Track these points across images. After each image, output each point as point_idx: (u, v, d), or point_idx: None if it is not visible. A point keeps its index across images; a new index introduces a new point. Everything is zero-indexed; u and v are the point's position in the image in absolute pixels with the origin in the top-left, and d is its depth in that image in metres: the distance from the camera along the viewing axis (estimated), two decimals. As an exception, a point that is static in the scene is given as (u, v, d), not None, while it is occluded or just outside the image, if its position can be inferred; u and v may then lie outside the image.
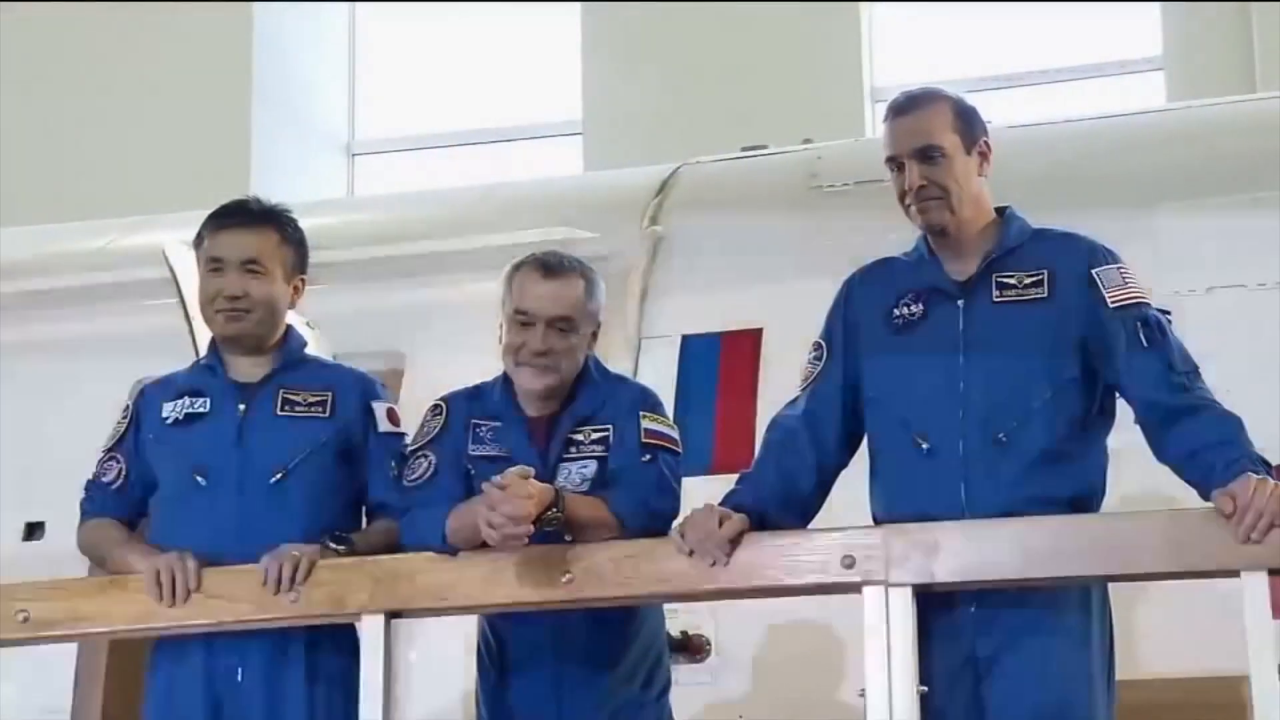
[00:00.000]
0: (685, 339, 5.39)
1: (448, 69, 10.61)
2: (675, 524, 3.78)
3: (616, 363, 4.72)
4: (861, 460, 3.89)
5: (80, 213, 7.62)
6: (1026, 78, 9.57)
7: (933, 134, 3.77)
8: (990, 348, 3.72)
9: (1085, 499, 3.71)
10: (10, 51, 10.17)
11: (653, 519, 3.83)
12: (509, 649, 4.00)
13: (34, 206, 8.93)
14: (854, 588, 3.58)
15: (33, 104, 10.12)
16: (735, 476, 3.89)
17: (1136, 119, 6.14)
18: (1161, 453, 3.67)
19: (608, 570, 3.72)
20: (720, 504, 3.72)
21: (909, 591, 3.53)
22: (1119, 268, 3.78)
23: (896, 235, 3.94)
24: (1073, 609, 3.66)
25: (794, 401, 3.93)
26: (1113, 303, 3.72)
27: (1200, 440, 3.58)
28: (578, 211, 5.82)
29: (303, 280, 4.16)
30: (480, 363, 4.08)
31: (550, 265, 3.97)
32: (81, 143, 9.97)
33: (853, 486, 3.89)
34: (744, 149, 6.20)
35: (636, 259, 5.51)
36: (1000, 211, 3.87)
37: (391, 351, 5.59)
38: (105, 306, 6.08)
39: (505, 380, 4.02)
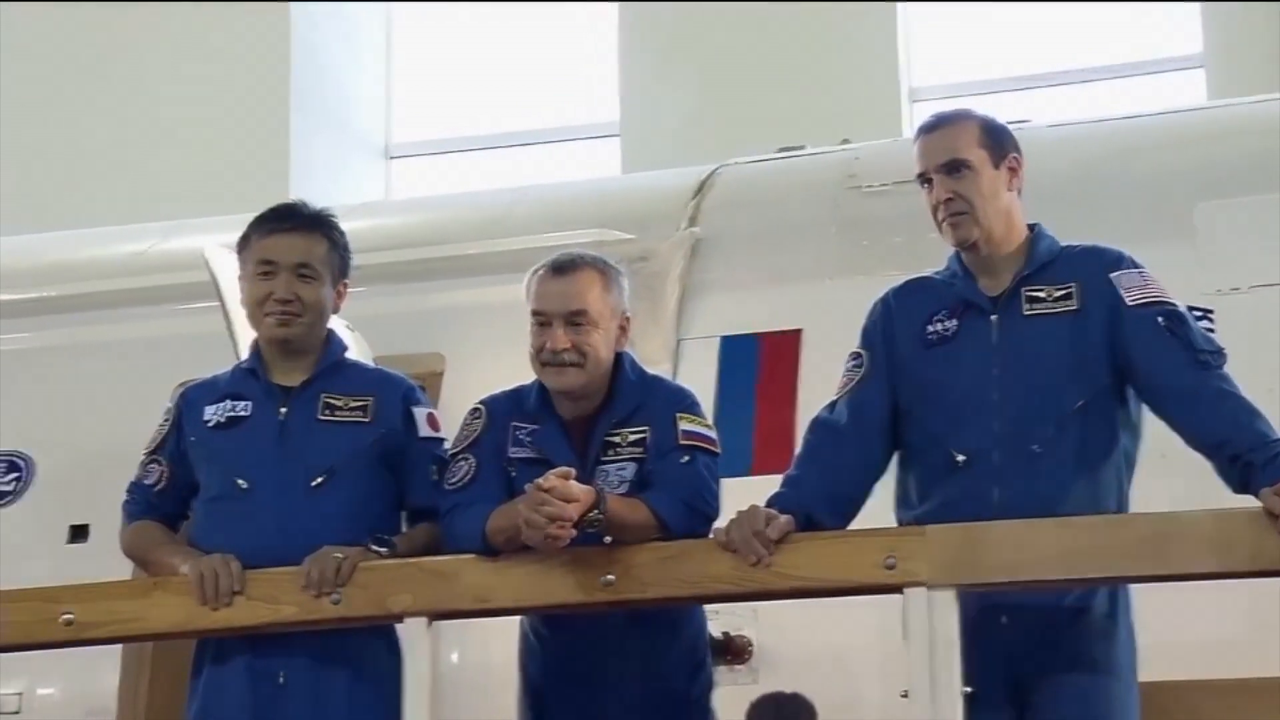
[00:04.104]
0: (724, 340, 5.38)
1: (484, 71, 10.61)
2: (717, 525, 3.80)
3: (655, 364, 4.75)
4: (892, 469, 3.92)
5: (120, 217, 7.66)
6: (1065, 76, 9.53)
7: (959, 149, 3.85)
8: (1022, 360, 3.78)
9: (1116, 510, 3.74)
10: (48, 57, 10.21)
11: (693, 520, 3.84)
12: (551, 651, 4.01)
13: (74, 211, 8.98)
14: (896, 588, 3.58)
15: (71, 109, 10.15)
16: (774, 478, 3.92)
17: (1176, 117, 6.11)
18: (1188, 434, 3.70)
19: (649, 571, 3.73)
20: (765, 505, 3.74)
21: (952, 593, 3.54)
22: (1139, 272, 3.84)
23: (935, 235, 3.96)
24: (1102, 615, 3.71)
25: (833, 405, 3.96)
26: (1131, 301, 3.78)
27: (1230, 430, 3.62)
28: (615, 213, 5.82)
29: (345, 284, 4.19)
30: (519, 365, 4.08)
31: (561, 264, 3.99)
32: (120, 147, 9.99)
33: (889, 490, 3.91)
34: (781, 149, 6.19)
35: (674, 260, 5.51)
36: (1030, 228, 3.93)
37: (430, 354, 5.59)
38: (147, 310, 6.11)
39: (540, 384, 4.03)
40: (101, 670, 5.30)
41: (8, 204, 9.55)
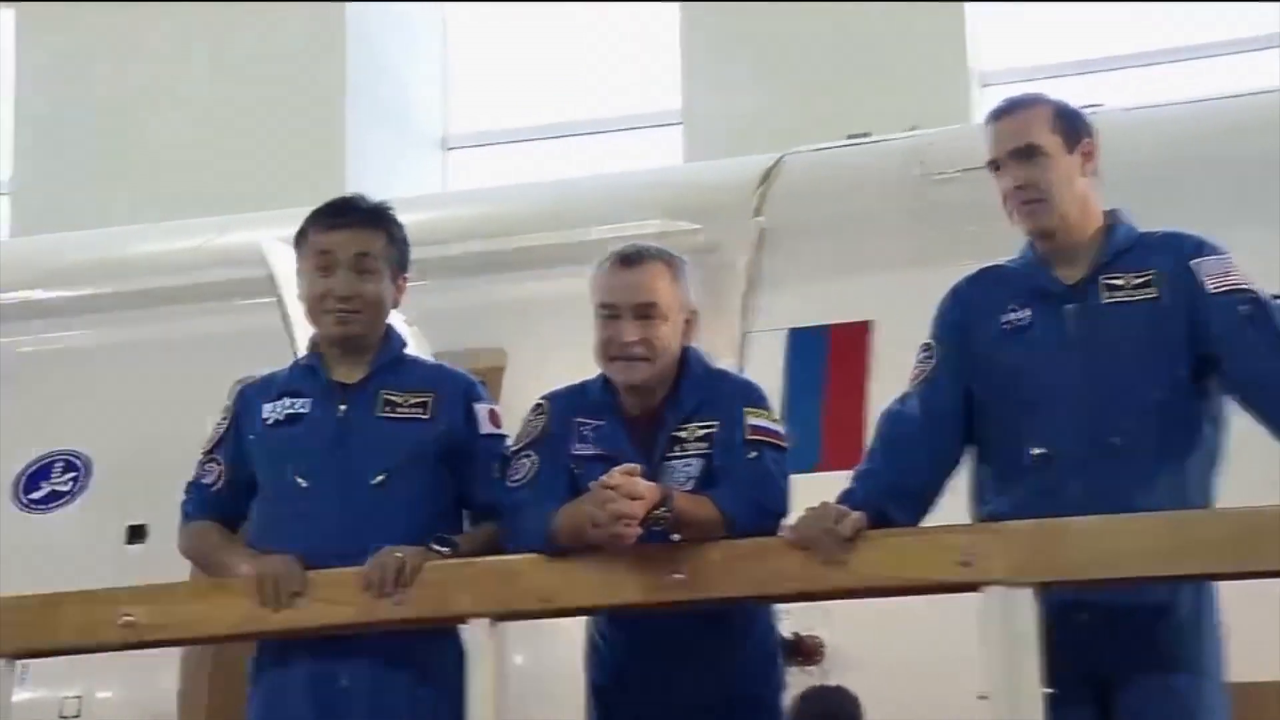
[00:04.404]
0: (792, 332, 5.40)
1: (542, 60, 10.59)
2: (786, 522, 3.78)
3: (721, 358, 4.62)
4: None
5: (176, 212, 7.70)
6: (1140, 58, 9.44)
7: (1031, 134, 3.82)
8: (1100, 350, 3.74)
9: (1200, 504, 3.70)
10: (105, 53, 10.27)
11: (762, 517, 3.82)
12: (618, 652, 3.99)
13: (130, 207, 9.03)
14: (972, 587, 3.55)
15: (126, 105, 10.22)
16: (844, 474, 3.90)
17: (1258, 98, 6.03)
18: (1276, 427, 3.64)
19: (718, 569, 3.71)
20: (836, 502, 3.73)
21: (1030, 591, 3.50)
22: (1220, 258, 3.79)
23: (1008, 223, 3.93)
24: (1188, 613, 3.66)
25: (905, 397, 3.94)
26: (1213, 289, 3.73)
27: None
28: (679, 203, 5.84)
29: (405, 279, 4.18)
30: (582, 359, 4.09)
31: (629, 255, 3.99)
32: (175, 143, 10.04)
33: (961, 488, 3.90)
34: (849, 137, 6.18)
35: (741, 251, 5.56)
36: (1107, 214, 3.89)
37: (491, 349, 5.64)
38: (203, 306, 6.17)
39: (606, 378, 4.02)
40: (161, 673, 5.33)
41: (64, 200, 9.63)
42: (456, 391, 4.13)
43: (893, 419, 3.92)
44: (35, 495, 5.97)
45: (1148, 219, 3.93)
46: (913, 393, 3.90)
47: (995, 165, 3.87)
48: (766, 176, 5.84)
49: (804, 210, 5.70)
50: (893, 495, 3.76)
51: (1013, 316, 3.84)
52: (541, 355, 5.41)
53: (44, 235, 8.14)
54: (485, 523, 4.05)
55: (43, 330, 6.48)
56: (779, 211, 5.69)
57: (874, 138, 6.13)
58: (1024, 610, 3.48)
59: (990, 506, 3.80)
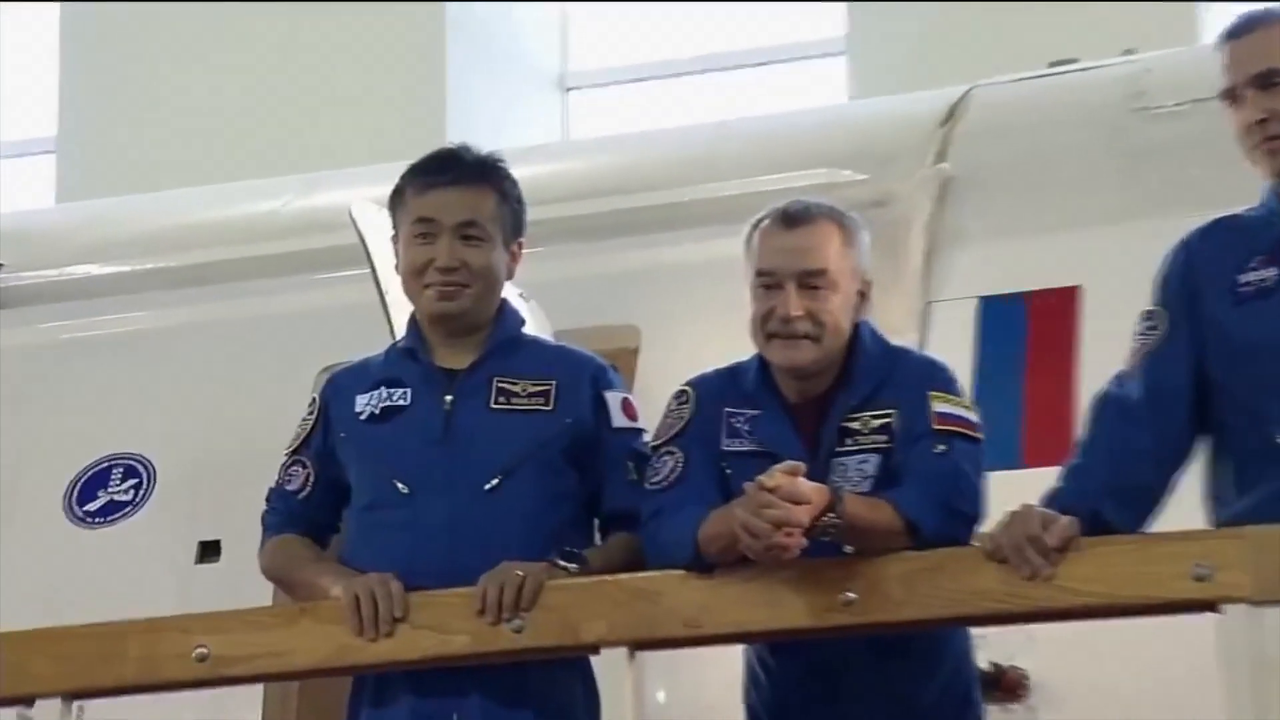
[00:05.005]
0: (983, 301, 5.37)
1: (677, -17, 10.61)
2: (981, 529, 3.77)
3: (898, 334, 4.71)
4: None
5: (247, 171, 7.76)
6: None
7: (1278, 56, 3.78)
8: None
9: None
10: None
11: (952, 523, 3.82)
12: (780, 687, 4.00)
13: (191, 167, 9.13)
14: (1210, 605, 3.53)
15: (187, 47, 10.32)
16: (1050, 470, 3.90)
17: None
18: None
19: (899, 588, 3.71)
20: (1041, 504, 3.71)
21: (1280, 611, 3.49)
22: None
23: (1245, 165, 3.91)
24: None
25: (1123, 376, 3.93)
26: None
27: None
28: (844, 149, 5.81)
29: (520, 245, 4.21)
30: (733, 337, 4.09)
31: (793, 213, 4.00)
32: (245, 89, 10.12)
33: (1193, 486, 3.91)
34: (1051, 64, 6.14)
35: (919, 205, 5.49)
36: None
37: (623, 326, 5.64)
38: (282, 281, 6.21)
39: (763, 360, 4.03)
40: (240, 712, 5.37)
41: (116, 161, 9.75)
42: (583, 377, 4.15)
43: (1108, 404, 3.91)
44: (91, 507, 6.01)
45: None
46: (1132, 371, 3.90)
47: (1231, 95, 3.86)
48: (951, 114, 5.80)
49: (996, 154, 5.66)
50: (1110, 495, 3.75)
51: (1254, 276, 3.83)
52: (684, 333, 5.43)
53: (93, 201, 8.25)
54: (619, 533, 4.09)
55: (93, 312, 6.53)
56: (966, 156, 5.64)
57: (1081, 65, 6.07)
58: (1273, 634, 3.45)
59: (1230, 508, 3.78)
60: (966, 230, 5.51)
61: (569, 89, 10.63)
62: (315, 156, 8.18)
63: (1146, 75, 5.73)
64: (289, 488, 4.20)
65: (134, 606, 4.57)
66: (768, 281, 3.96)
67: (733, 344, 4.10)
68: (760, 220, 4.04)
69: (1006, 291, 5.37)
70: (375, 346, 4.36)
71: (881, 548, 3.75)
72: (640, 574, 3.91)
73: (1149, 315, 3.94)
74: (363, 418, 4.14)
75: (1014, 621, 3.96)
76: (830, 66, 10.07)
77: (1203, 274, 3.90)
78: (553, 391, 4.10)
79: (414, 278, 4.12)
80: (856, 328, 4.02)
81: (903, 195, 5.52)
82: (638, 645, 3.83)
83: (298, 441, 4.23)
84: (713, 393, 4.07)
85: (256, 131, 9.79)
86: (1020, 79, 6.07)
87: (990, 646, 4.57)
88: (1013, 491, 3.82)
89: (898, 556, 3.74)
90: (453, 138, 4.47)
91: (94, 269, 6.65)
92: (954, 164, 5.64)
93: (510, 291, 4.32)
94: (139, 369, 6.23)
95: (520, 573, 3.86)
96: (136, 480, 6.00)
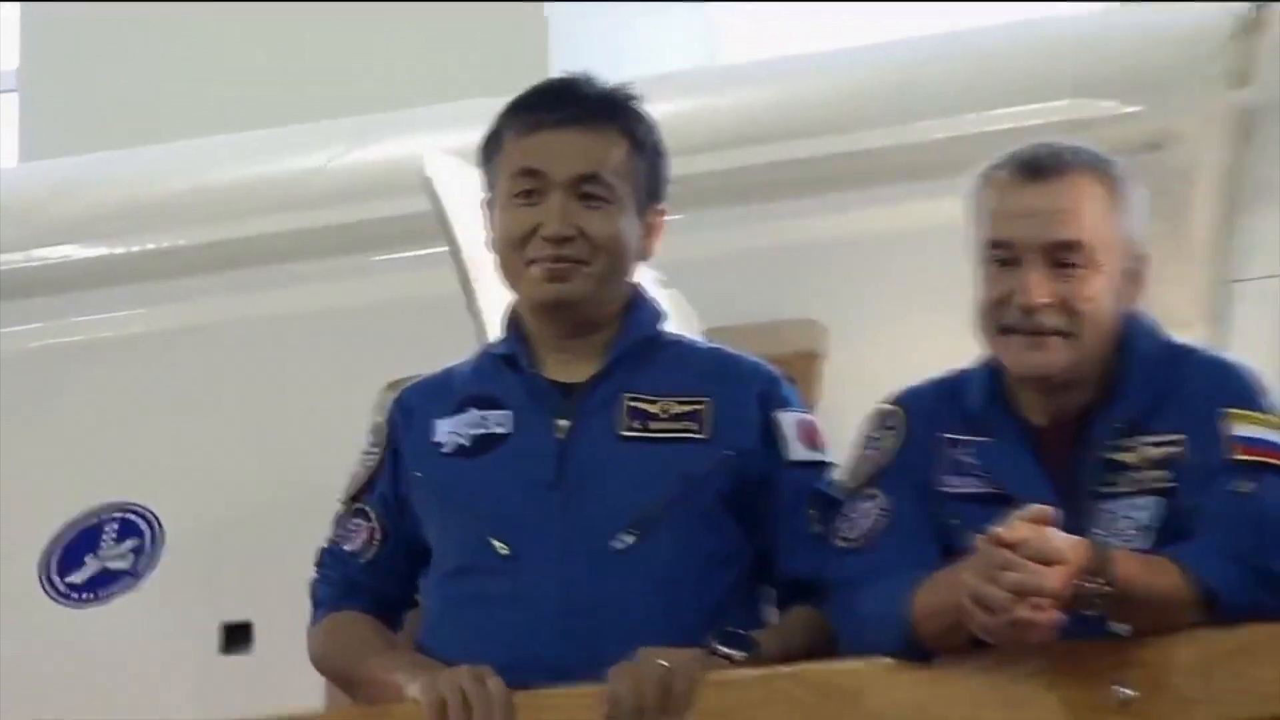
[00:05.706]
0: (1304, 280, 5.39)
1: None
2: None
3: (1184, 326, 4.63)
4: None
5: (280, 116, 7.65)
6: None
7: None
8: None
9: None
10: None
11: (1263, 590, 3.64)
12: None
13: (209, 108, 9.01)
14: None
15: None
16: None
17: None
18: None
19: (1195, 681, 3.57)
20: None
21: None
22: None
23: None
24: None
25: None
26: None
27: None
28: (1101, 72, 5.76)
29: (661, 211, 4.14)
30: (954, 336, 4.02)
31: (1036, 162, 3.90)
32: (276, 12, 10.05)
33: None
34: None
35: (1209, 148, 5.44)
36: None
37: (800, 322, 5.58)
38: (328, 264, 6.17)
39: (994, 366, 3.95)
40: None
41: (98, 103, 9.65)
42: (747, 393, 4.09)
43: None
44: (75, 578, 5.97)
45: None
46: None
47: None
48: (1248, 26, 5.65)
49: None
50: None
51: None
52: (885, 331, 5.45)
53: (67, 160, 8.10)
54: (800, 607, 4.03)
55: (72, 310, 6.51)
56: (1275, 82, 5.50)
57: None
58: None
59: None
60: (1277, 183, 5.41)
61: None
62: (368, 95, 8.05)
63: None
64: (347, 548, 4.16)
65: (137, 708, 4.70)
66: (1002, 256, 3.85)
67: (953, 345, 4.03)
68: (991, 171, 3.92)
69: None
70: (458, 352, 4.29)
71: (1166, 624, 3.61)
72: (831, 664, 3.83)
73: None
74: (446, 451, 4.08)
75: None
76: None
77: None
78: (706, 413, 4.04)
79: (513, 251, 4.04)
80: (1126, 321, 3.92)
81: (1186, 135, 5.48)
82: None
83: (357, 486, 4.19)
84: (927, 412, 3.99)
85: (287, 65, 9.72)
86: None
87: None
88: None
89: (1189, 637, 3.60)
90: (558, 68, 4.24)
91: (72, 251, 6.59)
92: (1258, 92, 5.55)
93: (646, 276, 4.28)
94: (136, 387, 6.21)
95: (665, 664, 3.76)
96: (136, 540, 5.99)
